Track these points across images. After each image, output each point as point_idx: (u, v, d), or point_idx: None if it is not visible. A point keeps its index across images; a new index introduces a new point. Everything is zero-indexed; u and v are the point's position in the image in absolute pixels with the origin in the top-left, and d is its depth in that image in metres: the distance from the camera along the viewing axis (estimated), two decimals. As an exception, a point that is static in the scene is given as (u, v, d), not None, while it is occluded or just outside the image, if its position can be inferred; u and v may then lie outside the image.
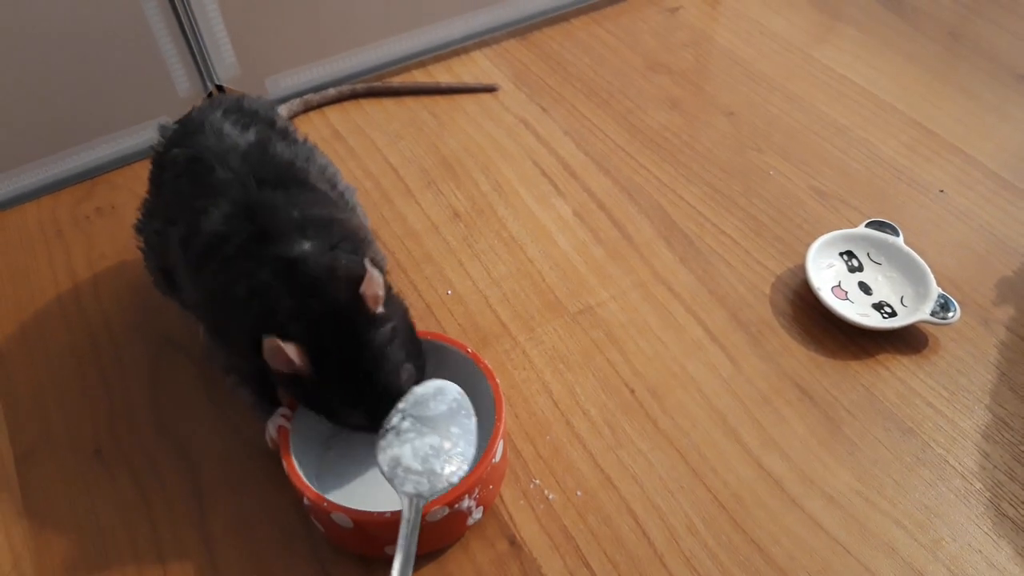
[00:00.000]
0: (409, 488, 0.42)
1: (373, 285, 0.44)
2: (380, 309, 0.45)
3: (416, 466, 0.42)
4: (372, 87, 0.84)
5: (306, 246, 0.46)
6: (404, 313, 0.48)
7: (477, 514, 0.47)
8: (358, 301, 0.44)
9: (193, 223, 0.49)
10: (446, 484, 0.42)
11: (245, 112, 0.55)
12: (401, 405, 0.45)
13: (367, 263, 0.45)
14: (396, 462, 0.42)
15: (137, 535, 0.51)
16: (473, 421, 0.45)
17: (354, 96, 0.83)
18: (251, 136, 0.53)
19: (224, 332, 0.49)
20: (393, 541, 0.42)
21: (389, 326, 0.46)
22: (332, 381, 0.45)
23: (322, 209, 0.50)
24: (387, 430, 0.44)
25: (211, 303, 0.49)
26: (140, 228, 0.58)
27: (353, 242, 0.49)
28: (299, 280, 0.45)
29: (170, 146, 0.54)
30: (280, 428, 0.48)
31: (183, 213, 0.50)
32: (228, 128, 0.53)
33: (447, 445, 0.43)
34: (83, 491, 0.53)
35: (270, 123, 0.56)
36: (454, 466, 0.42)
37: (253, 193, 0.49)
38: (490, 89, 0.84)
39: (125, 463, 0.54)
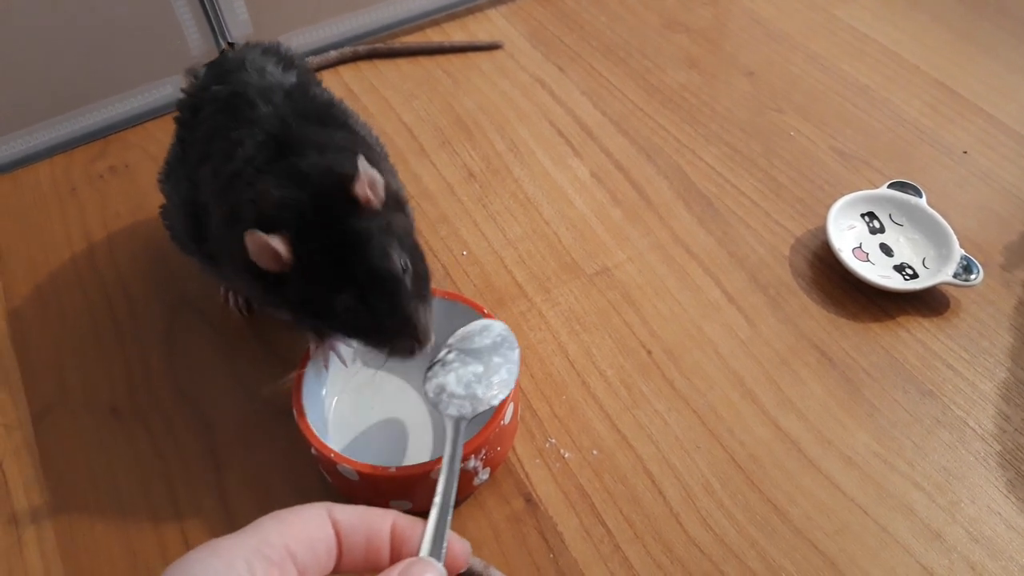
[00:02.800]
0: (452, 411, 0.43)
1: (364, 185, 0.43)
2: (375, 207, 0.44)
3: (459, 391, 0.44)
4: (374, 49, 0.82)
5: (316, 156, 0.45)
6: (416, 246, 0.46)
7: (483, 475, 0.47)
8: (348, 193, 0.43)
9: (229, 153, 0.48)
10: (487, 406, 0.43)
11: (283, 56, 0.55)
12: (449, 340, 0.47)
13: (361, 161, 0.43)
14: (441, 388, 0.44)
15: (153, 492, 0.51)
16: (516, 352, 0.46)
17: (356, 58, 0.82)
18: (293, 77, 0.53)
19: (235, 252, 0.45)
20: (398, 496, 0.45)
21: (382, 220, 0.44)
22: (316, 267, 0.42)
23: (352, 145, 0.49)
24: (434, 363, 0.46)
25: (225, 224, 0.47)
26: (164, 179, 0.57)
27: (376, 155, 0.48)
28: (292, 177, 0.44)
29: (207, 85, 0.53)
30: (297, 376, 0.48)
31: (219, 146, 0.49)
32: (271, 67, 0.52)
33: (489, 373, 0.45)
34: (99, 449, 0.53)
35: (307, 69, 0.55)
36: (495, 390, 0.44)
37: (290, 126, 0.48)
38: (494, 47, 0.83)
39: (141, 422, 0.54)
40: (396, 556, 0.36)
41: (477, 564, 0.45)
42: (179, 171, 0.54)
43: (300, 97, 0.51)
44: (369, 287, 0.43)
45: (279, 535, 0.33)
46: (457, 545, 0.37)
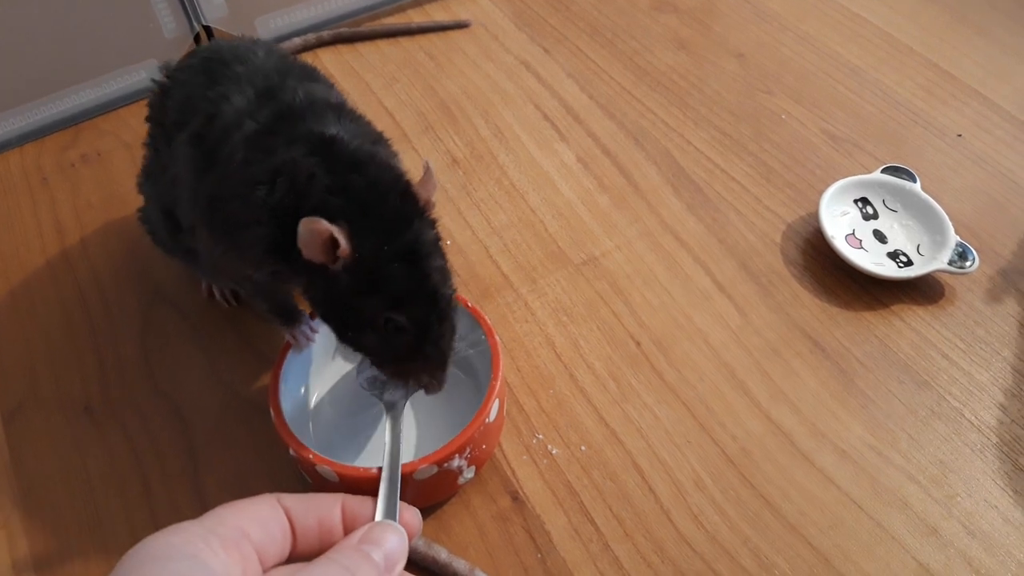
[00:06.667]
0: (388, 397, 0.45)
1: (430, 185, 0.41)
2: (431, 214, 0.41)
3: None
4: (339, 34, 0.80)
5: (344, 127, 0.42)
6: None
7: (469, 473, 0.46)
8: (407, 191, 0.40)
9: (210, 112, 0.44)
10: (416, 389, 0.44)
11: (258, 42, 0.51)
12: None
13: (426, 161, 0.41)
14: (374, 378, 0.46)
15: (129, 492, 0.49)
16: None
17: (320, 44, 0.80)
18: (268, 46, 0.50)
19: (235, 230, 0.42)
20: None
21: (437, 230, 0.41)
22: (374, 274, 0.38)
23: (355, 110, 0.47)
24: (364, 358, 0.44)
25: (220, 196, 0.42)
26: (143, 179, 0.55)
27: (389, 148, 0.45)
28: (339, 156, 0.40)
29: (178, 68, 0.50)
30: (272, 377, 0.46)
31: (197, 107, 0.45)
32: (245, 43, 0.49)
33: None
34: (73, 448, 0.51)
35: (280, 49, 0.52)
36: None
37: (278, 80, 0.45)
38: (462, 25, 0.81)
39: (116, 420, 0.53)
40: (349, 533, 0.37)
41: (462, 567, 0.44)
42: (154, 165, 0.52)
43: (279, 58, 0.48)
44: (426, 310, 0.40)
45: (232, 517, 0.35)
46: (408, 514, 0.40)
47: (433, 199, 0.41)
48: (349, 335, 0.41)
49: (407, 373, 0.42)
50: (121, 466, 0.50)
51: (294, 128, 0.41)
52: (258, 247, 0.41)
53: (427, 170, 0.41)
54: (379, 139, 0.45)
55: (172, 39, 0.74)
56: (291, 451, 0.44)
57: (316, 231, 0.37)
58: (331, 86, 0.50)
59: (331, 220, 0.37)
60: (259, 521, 0.35)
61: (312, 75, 0.49)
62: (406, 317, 0.39)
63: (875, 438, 0.50)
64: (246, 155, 0.41)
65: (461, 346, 0.45)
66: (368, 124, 0.46)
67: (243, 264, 0.44)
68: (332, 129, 0.41)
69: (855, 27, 0.80)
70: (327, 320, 0.42)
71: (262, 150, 0.41)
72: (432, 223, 0.41)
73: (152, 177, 0.53)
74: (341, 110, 0.44)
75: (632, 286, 0.59)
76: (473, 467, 0.46)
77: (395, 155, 0.45)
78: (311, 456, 0.43)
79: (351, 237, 0.38)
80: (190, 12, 0.73)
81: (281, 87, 0.44)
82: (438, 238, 0.41)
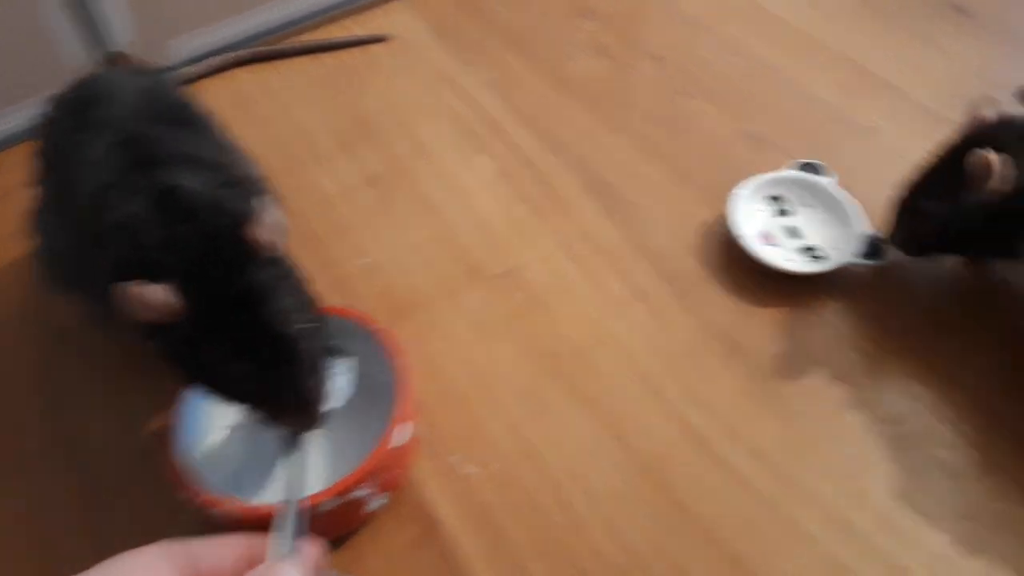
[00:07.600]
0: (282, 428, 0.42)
1: (267, 228, 0.39)
2: (275, 254, 0.40)
3: None
4: (256, 52, 0.79)
5: (190, 176, 0.41)
6: (300, 280, 0.42)
7: (380, 500, 0.45)
8: (241, 236, 0.39)
9: (74, 158, 0.43)
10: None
11: (144, 71, 0.51)
12: None
13: (267, 204, 0.40)
14: None
15: (28, 547, 0.48)
16: (354, 360, 0.45)
17: (238, 64, 0.78)
18: (148, 81, 0.48)
19: (89, 288, 0.42)
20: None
21: (279, 270, 0.40)
22: (211, 324, 0.38)
23: (218, 154, 0.45)
24: None
25: (72, 254, 0.42)
26: (33, 217, 0.53)
27: (250, 190, 0.43)
28: (178, 207, 0.39)
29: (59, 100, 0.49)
30: (172, 415, 0.45)
31: (62, 152, 0.44)
32: (126, 75, 0.48)
33: None
34: (-27, 498, 0.50)
35: (167, 78, 0.52)
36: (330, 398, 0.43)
37: (141, 124, 0.44)
38: (379, 39, 0.80)
39: (12, 468, 0.51)
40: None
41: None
42: (41, 202, 0.51)
43: (153, 96, 0.47)
44: (270, 355, 0.39)
45: (119, 570, 0.33)
46: (308, 547, 0.38)
47: (276, 239, 0.39)
48: (206, 386, 0.41)
49: (272, 416, 0.41)
50: (18, 519, 0.49)
51: (138, 181, 0.40)
52: (107, 307, 0.39)
53: (263, 211, 0.39)
54: (234, 182, 0.43)
55: (75, 68, 0.72)
56: (183, 494, 0.43)
57: (142, 297, 0.36)
58: (205, 128, 0.48)
59: (162, 278, 0.36)
60: (150, 572, 0.34)
61: (183, 117, 0.47)
62: (250, 362, 0.38)
63: (789, 436, 0.50)
64: (91, 213, 0.40)
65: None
66: (229, 168, 0.44)
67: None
68: (177, 179, 0.40)
69: (771, 26, 0.80)
70: (184, 372, 0.41)
71: (105, 207, 0.40)
72: (273, 263, 0.40)
73: (40, 215, 0.51)
74: (193, 159, 0.42)
75: (550, 297, 0.58)
76: (385, 493, 0.45)
77: (255, 196, 0.42)
78: (207, 498, 0.42)
79: (182, 293, 0.37)
80: (95, 36, 0.72)
81: (140, 137, 0.43)
82: (280, 277, 0.40)
